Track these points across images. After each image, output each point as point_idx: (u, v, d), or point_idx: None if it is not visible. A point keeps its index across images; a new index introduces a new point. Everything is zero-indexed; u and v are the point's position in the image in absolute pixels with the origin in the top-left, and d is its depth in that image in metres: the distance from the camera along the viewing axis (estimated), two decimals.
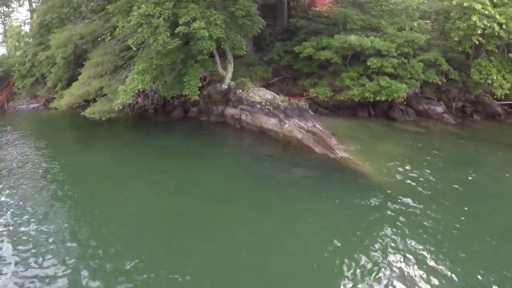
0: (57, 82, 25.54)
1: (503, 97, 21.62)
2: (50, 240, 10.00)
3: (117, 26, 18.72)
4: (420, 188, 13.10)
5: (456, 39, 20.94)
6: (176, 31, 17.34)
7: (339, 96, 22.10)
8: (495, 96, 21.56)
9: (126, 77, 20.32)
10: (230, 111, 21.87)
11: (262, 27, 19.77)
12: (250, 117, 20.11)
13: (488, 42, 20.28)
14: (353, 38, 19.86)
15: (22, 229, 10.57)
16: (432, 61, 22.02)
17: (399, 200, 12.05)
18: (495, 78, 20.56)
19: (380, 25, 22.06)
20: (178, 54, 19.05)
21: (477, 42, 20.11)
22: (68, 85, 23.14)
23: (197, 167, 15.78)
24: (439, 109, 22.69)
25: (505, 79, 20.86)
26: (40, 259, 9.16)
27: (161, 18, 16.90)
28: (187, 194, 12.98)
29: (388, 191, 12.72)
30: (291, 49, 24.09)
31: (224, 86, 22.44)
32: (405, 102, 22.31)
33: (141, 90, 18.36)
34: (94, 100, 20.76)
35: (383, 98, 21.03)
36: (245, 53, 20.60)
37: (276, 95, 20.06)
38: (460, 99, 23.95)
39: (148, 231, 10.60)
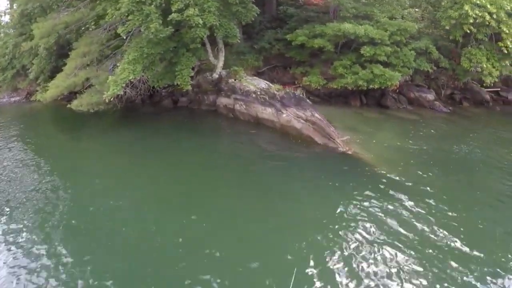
0: (40, 74, 24.36)
1: (492, 84, 21.96)
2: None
3: (104, 14, 17.92)
4: (423, 174, 13.31)
5: (447, 27, 21.04)
6: (168, 19, 16.73)
7: (332, 84, 21.93)
8: (484, 84, 21.83)
9: (114, 66, 19.63)
10: (223, 100, 21.43)
11: (256, 15, 19.29)
12: (245, 106, 19.74)
13: (479, 31, 20.47)
14: (347, 26, 19.67)
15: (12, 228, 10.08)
16: (423, 49, 22.10)
17: (402, 185, 12.33)
18: (484, 66, 20.85)
19: (372, 14, 21.93)
20: (170, 42, 18.42)
21: (468, 31, 20.29)
22: (51, 77, 22.15)
23: (195, 156, 15.66)
24: (430, 96, 22.89)
25: (494, 67, 21.17)
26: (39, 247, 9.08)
27: (152, 5, 16.26)
28: (185, 182, 13.05)
29: (395, 178, 12.83)
30: (282, 37, 23.71)
31: (215, 75, 21.96)
32: (397, 90, 22.34)
33: (132, 80, 17.62)
34: (81, 92, 19.88)
35: (376, 86, 21.00)
36: (238, 41, 20.09)
37: (271, 84, 19.71)
38: (449, 87, 24.22)
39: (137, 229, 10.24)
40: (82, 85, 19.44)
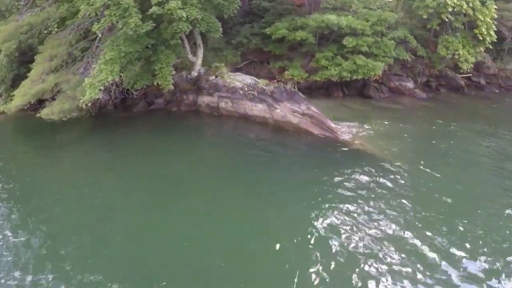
0: (0, 84, 21.88)
1: (468, 70, 22.51)
2: None
3: (74, 13, 16.30)
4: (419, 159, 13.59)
5: (424, 16, 21.27)
6: (148, 12, 15.50)
7: (315, 76, 21.54)
8: (461, 70, 22.32)
9: (85, 69, 18.00)
10: (205, 99, 20.34)
11: (239, 7, 18.44)
12: (231, 104, 18.84)
13: (456, 19, 20.86)
14: (332, 18, 19.36)
15: None
16: (401, 39, 22.26)
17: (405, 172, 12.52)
18: (461, 53, 21.29)
19: (351, 3, 21.77)
20: (148, 39, 17.12)
21: (446, 20, 20.60)
22: (13, 86, 20.00)
23: (182, 160, 14.67)
24: (410, 85, 23.15)
25: (469, 53, 21.67)
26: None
27: None
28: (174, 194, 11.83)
29: (396, 163, 12.98)
30: (259, 31, 23.03)
31: (194, 73, 20.93)
32: (380, 80, 22.34)
33: (108, 82, 16.16)
34: (50, 99, 18.00)
35: (360, 77, 20.89)
36: (221, 35, 19.13)
37: (258, 80, 18.93)
38: (424, 75, 24.63)
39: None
40: (51, 91, 17.63)
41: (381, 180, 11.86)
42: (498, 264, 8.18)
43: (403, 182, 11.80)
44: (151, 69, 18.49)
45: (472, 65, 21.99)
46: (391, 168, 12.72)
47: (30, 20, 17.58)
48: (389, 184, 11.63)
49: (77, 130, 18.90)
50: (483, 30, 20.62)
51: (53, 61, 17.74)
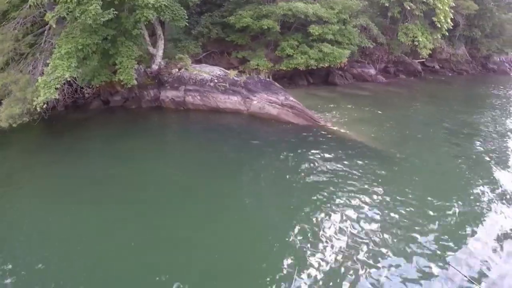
0: None
1: (427, 56, 23.33)
2: None
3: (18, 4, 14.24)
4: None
5: (386, 5, 21.60)
6: None
7: (281, 66, 21.07)
8: (420, 56, 23.09)
9: (35, 67, 15.95)
10: (169, 94, 19.00)
11: None
12: (200, 97, 17.78)
13: (417, 7, 21.40)
14: (299, 6, 18.91)
15: None
16: (363, 26, 22.44)
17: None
18: (420, 40, 21.94)
19: None
20: (107, 29, 15.46)
21: (408, 8, 21.06)
22: None
23: (152, 165, 12.70)
24: (372, 71, 23.56)
25: (427, 40, 22.42)
26: None
27: None
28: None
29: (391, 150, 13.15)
30: (219, 21, 22.02)
31: (155, 67, 19.48)
32: (345, 67, 22.41)
33: (68, 79, 14.41)
34: None
35: (326, 65, 20.76)
36: (187, 24, 17.90)
37: (227, 71, 18.01)
38: (383, 61, 25.22)
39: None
40: None
41: (378, 165, 11.69)
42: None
43: (396, 168, 11.71)
44: (110, 63, 16.81)
45: (430, 51, 22.79)
46: (386, 154, 12.67)
47: None
48: (385, 168, 11.47)
49: (29, 138, 16.57)
50: (441, 18, 21.41)
51: None
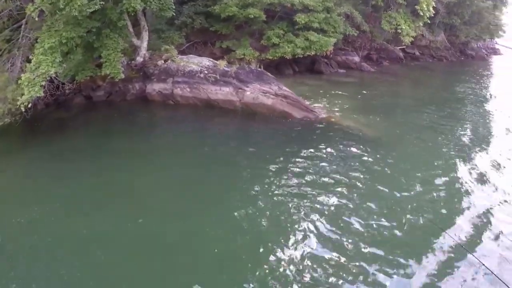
0: None
1: (410, 44, 23.69)
2: None
3: None
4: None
5: None
6: None
7: (267, 55, 20.90)
8: (403, 44, 23.40)
9: (13, 64, 15.14)
10: (156, 86, 18.46)
11: None
12: (189, 89, 17.37)
13: None
14: None
15: None
16: (347, 14, 22.50)
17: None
18: (403, 27, 22.22)
19: None
20: (91, 21, 14.82)
21: None
22: None
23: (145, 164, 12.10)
24: (356, 58, 23.74)
25: (410, 28, 22.74)
26: None
27: None
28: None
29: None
30: (203, 10, 21.53)
31: (140, 59, 18.92)
32: (331, 55, 22.45)
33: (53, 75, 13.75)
34: None
35: (312, 53, 20.74)
36: (173, 14, 17.40)
37: (216, 61, 17.67)
38: (366, 48, 25.41)
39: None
40: None
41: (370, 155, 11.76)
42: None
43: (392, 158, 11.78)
44: (94, 57, 16.17)
45: (412, 39, 23.13)
46: (385, 141, 12.78)
47: None
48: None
49: (11, 140, 15.62)
50: (424, 6, 21.71)
51: None
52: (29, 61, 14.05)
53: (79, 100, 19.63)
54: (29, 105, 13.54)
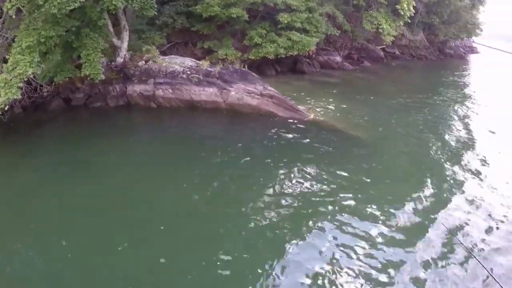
0: None
1: (391, 43, 24.02)
2: None
3: None
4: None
5: None
6: None
7: (250, 55, 20.81)
8: (384, 43, 23.71)
9: None
10: (137, 88, 18.04)
11: None
12: (171, 90, 17.10)
13: None
14: None
15: None
16: (329, 14, 22.64)
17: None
18: (384, 27, 22.50)
19: None
20: (71, 20, 14.41)
21: None
22: None
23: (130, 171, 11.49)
24: (338, 58, 23.90)
25: (391, 27, 23.05)
26: None
27: None
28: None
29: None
30: (184, 10, 21.28)
31: (120, 60, 18.50)
32: (313, 55, 22.54)
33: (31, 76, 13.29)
34: None
35: (295, 53, 20.78)
36: (155, 13, 17.09)
37: (199, 62, 17.47)
38: (346, 48, 25.62)
39: None
40: None
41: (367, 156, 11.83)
42: None
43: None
44: (73, 58, 15.74)
45: (393, 38, 23.46)
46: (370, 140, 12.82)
47: None
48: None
49: None
50: (405, 6, 22.04)
51: None
52: (5, 61, 13.56)
53: (57, 103, 18.75)
54: (6, 108, 13.02)
